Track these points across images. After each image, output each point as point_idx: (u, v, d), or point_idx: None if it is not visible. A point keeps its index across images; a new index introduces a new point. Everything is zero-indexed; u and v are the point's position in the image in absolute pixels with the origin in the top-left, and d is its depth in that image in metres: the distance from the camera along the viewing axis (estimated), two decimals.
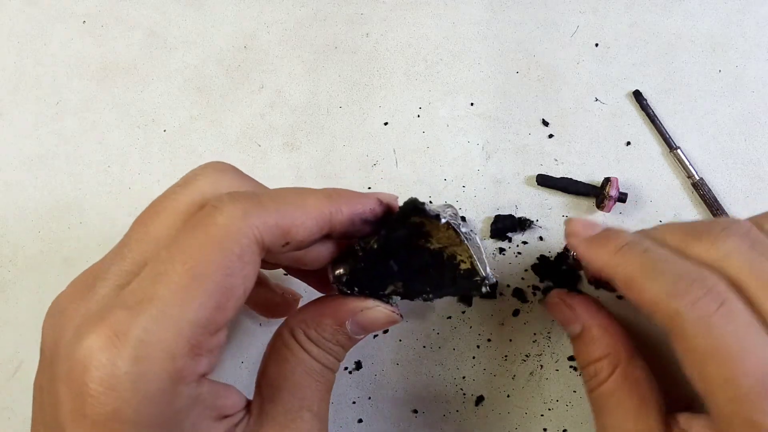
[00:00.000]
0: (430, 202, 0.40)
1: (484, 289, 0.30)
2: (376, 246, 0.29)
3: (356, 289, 0.30)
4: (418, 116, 0.42)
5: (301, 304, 0.38)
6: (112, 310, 0.23)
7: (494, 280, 0.30)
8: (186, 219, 0.25)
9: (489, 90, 0.42)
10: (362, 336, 0.30)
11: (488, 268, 0.30)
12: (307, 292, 0.38)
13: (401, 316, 0.31)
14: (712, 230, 0.26)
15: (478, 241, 0.30)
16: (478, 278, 0.29)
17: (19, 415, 0.40)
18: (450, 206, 0.31)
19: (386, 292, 0.30)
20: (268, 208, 0.25)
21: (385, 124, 0.42)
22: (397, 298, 0.31)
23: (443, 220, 0.29)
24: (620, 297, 0.37)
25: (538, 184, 0.40)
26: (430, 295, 0.31)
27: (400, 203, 0.30)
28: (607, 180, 0.38)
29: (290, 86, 0.42)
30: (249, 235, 0.24)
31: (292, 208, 0.26)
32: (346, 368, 0.39)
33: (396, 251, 0.29)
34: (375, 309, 0.30)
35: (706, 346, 0.24)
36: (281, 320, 0.31)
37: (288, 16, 0.43)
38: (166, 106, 0.42)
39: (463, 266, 0.30)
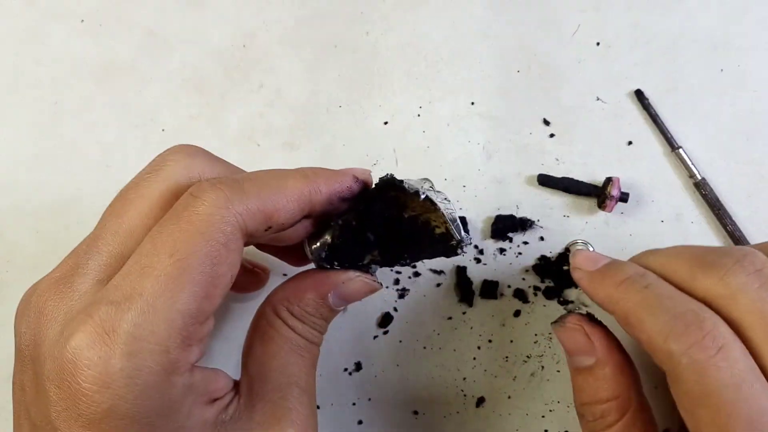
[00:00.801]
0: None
1: (460, 252, 0.30)
2: (354, 222, 0.29)
3: (335, 263, 0.30)
4: (419, 116, 0.41)
5: (271, 277, 0.38)
6: (97, 306, 0.22)
7: (470, 241, 0.30)
8: (162, 207, 0.25)
9: (490, 89, 0.41)
10: (344, 306, 0.31)
11: (463, 232, 0.30)
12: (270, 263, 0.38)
13: (381, 284, 0.31)
14: (722, 263, 0.25)
15: (452, 207, 0.30)
16: (453, 242, 0.30)
17: None
18: (426, 179, 0.31)
19: (365, 262, 0.30)
20: (249, 193, 0.25)
21: (385, 123, 0.41)
22: (376, 267, 0.31)
23: (422, 196, 0.29)
24: None
25: (540, 183, 0.39)
26: (408, 260, 0.31)
27: (375, 178, 0.30)
28: (608, 180, 0.38)
29: (290, 85, 0.42)
30: (233, 222, 0.24)
31: (273, 192, 0.26)
32: (345, 369, 0.39)
33: (372, 223, 0.30)
34: (356, 280, 0.30)
35: (699, 392, 0.23)
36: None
37: (287, 15, 0.43)
38: (165, 105, 0.42)
39: (437, 231, 0.30)
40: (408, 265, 0.31)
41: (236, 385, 0.28)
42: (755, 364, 0.24)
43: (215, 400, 0.26)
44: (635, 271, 0.28)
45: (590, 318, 0.30)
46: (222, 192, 0.24)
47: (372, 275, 0.31)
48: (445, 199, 0.30)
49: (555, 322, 0.31)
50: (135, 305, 0.22)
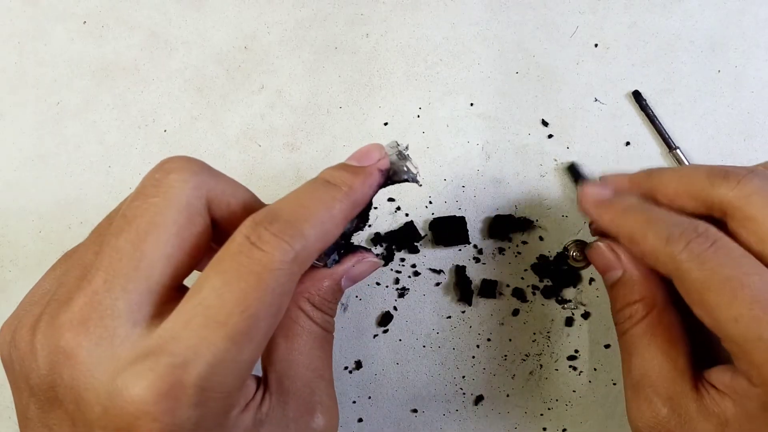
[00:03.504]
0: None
1: (411, 170, 0.30)
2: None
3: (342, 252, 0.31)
4: (418, 116, 0.42)
5: None
6: (158, 358, 0.22)
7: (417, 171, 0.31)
8: (177, 234, 0.25)
9: (489, 90, 0.42)
10: (350, 286, 0.32)
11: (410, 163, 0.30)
12: None
13: (383, 261, 0.34)
14: (738, 172, 0.28)
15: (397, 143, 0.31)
16: (405, 169, 0.30)
17: None
18: (396, 143, 0.31)
19: (352, 238, 0.32)
20: (309, 238, 0.25)
21: (385, 124, 0.42)
22: (360, 231, 0.32)
23: (420, 182, 0.30)
24: None
25: (568, 170, 0.39)
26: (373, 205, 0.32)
27: None
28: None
29: (290, 86, 0.42)
30: (298, 273, 0.25)
31: (328, 227, 0.26)
32: (346, 368, 0.39)
33: None
34: (363, 262, 0.31)
35: (703, 278, 0.26)
36: None
37: (288, 17, 0.43)
38: (166, 106, 0.42)
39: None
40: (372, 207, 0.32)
41: (259, 380, 0.28)
42: (750, 254, 0.26)
43: (249, 402, 0.27)
44: (637, 200, 0.31)
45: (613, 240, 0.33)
46: (286, 244, 0.24)
47: (369, 251, 0.32)
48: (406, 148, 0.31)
49: (587, 246, 0.35)
50: (203, 359, 0.22)
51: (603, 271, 0.33)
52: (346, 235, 0.31)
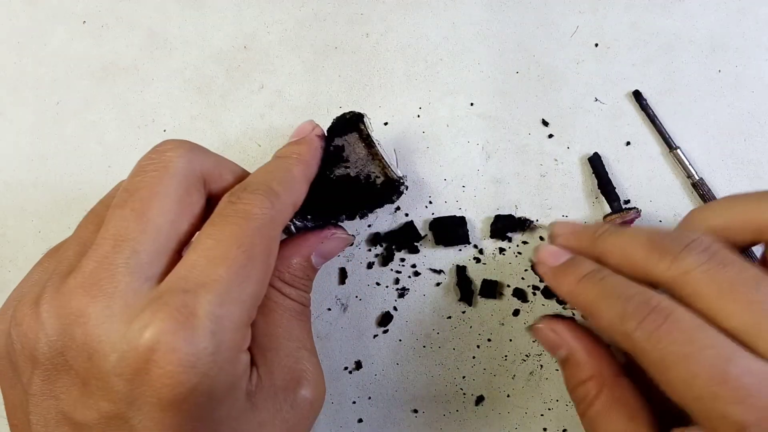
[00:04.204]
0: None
1: (402, 188, 0.35)
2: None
3: (307, 221, 0.33)
4: (418, 116, 0.42)
5: None
6: (171, 295, 0.24)
7: (402, 173, 0.35)
8: (178, 202, 0.27)
9: (489, 90, 0.42)
10: (323, 263, 0.34)
11: (398, 170, 0.35)
12: None
13: (353, 236, 0.36)
14: (674, 248, 0.28)
15: (385, 151, 0.35)
16: (396, 184, 0.35)
17: None
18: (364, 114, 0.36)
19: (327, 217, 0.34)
20: (281, 194, 0.29)
21: (385, 124, 0.42)
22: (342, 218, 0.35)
23: (376, 143, 0.34)
24: None
25: (590, 161, 0.39)
26: (358, 214, 0.35)
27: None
28: (631, 209, 0.38)
29: (290, 86, 0.42)
30: (280, 222, 0.28)
31: (293, 185, 0.30)
32: (346, 368, 0.39)
33: (325, 183, 0.34)
34: (332, 238, 0.34)
35: (659, 357, 0.25)
36: None
37: (288, 17, 0.43)
38: (166, 106, 0.42)
39: (378, 181, 0.35)
40: (365, 216, 0.36)
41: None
42: (704, 322, 0.25)
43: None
44: (592, 267, 0.30)
45: (556, 316, 0.33)
46: (261, 196, 0.28)
47: (340, 227, 0.34)
48: (377, 139, 0.35)
49: (529, 327, 0.34)
50: (212, 290, 0.24)
51: (550, 351, 0.33)
52: (319, 210, 0.34)
